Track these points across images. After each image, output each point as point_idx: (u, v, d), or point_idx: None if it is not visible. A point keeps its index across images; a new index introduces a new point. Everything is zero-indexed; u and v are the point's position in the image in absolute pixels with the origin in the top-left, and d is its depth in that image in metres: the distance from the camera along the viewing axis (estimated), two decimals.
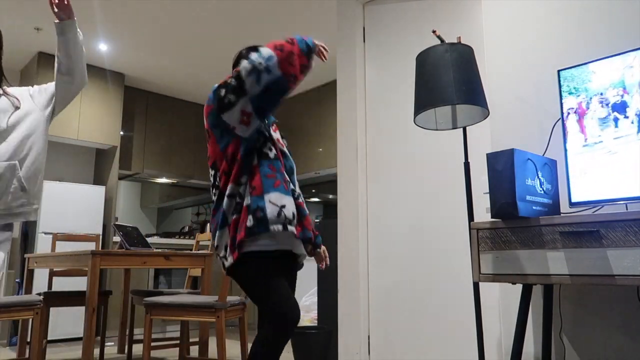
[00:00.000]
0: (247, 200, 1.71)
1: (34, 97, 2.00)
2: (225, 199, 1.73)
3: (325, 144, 5.31)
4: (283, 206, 1.71)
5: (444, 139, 2.69)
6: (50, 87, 2.02)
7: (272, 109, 1.73)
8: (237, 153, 1.74)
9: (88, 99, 5.05)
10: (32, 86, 2.03)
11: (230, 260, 1.71)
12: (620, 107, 1.63)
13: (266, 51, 1.66)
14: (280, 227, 1.69)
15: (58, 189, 4.72)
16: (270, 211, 1.68)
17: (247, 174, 1.73)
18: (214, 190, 1.81)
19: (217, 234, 1.75)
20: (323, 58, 1.80)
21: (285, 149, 1.93)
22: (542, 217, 1.59)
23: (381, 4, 3.08)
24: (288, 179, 1.83)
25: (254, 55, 1.65)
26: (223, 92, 1.69)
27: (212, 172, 1.82)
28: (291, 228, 1.72)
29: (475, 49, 2.25)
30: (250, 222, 1.67)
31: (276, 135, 1.94)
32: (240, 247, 1.70)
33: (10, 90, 1.98)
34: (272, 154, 1.79)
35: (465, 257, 2.52)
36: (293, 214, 1.74)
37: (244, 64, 1.66)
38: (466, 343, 2.46)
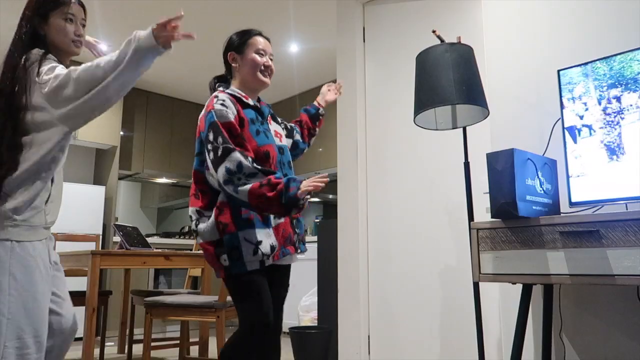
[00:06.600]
0: (214, 234, 1.66)
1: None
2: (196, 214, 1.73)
3: (325, 144, 5.31)
4: (259, 243, 1.65)
5: (444, 139, 2.69)
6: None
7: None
8: (207, 186, 1.73)
9: None
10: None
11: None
12: (622, 106, 1.63)
13: (242, 192, 1.56)
14: (257, 264, 1.65)
15: None
16: (246, 250, 1.64)
17: (215, 205, 1.69)
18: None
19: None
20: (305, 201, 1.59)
21: (282, 143, 1.86)
22: (542, 217, 1.59)
23: (381, 4, 3.08)
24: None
25: (229, 187, 1.58)
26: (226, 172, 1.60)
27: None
28: (269, 261, 1.68)
29: (475, 49, 2.24)
30: (226, 261, 1.65)
31: (273, 127, 1.88)
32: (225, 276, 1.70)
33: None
34: None
35: (465, 257, 2.52)
36: (271, 246, 1.67)
37: (223, 182, 1.60)
38: (466, 343, 2.46)
